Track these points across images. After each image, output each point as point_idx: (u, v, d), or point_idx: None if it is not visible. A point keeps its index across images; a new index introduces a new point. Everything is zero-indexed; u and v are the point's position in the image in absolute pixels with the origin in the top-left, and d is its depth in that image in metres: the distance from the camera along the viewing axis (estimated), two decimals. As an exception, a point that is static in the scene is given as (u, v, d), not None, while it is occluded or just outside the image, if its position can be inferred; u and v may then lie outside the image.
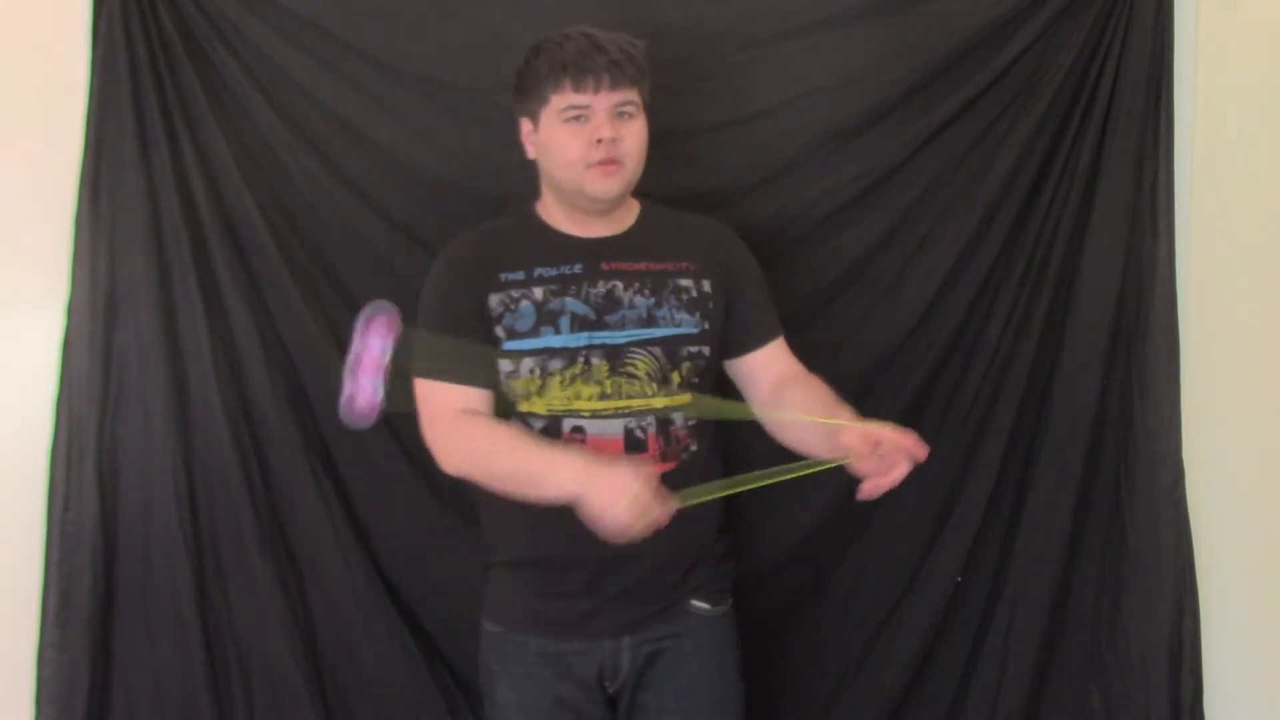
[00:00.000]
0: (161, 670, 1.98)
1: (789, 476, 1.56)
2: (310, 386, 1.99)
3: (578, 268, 1.69)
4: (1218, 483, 2.05)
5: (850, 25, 1.99)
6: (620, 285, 1.69)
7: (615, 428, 1.65)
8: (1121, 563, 2.01)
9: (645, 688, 1.72)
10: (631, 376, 1.66)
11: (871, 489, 1.51)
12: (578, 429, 1.65)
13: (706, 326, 1.72)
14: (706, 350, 1.72)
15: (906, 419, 2.00)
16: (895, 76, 1.98)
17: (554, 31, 1.67)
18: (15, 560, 1.97)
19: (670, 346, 1.68)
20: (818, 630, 2.07)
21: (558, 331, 1.65)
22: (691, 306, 1.71)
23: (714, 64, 1.99)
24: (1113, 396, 2.00)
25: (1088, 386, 2.00)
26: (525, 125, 1.71)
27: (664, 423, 1.67)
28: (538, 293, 1.67)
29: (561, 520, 1.55)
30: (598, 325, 1.66)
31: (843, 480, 2.01)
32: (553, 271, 1.68)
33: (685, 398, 1.68)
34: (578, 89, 1.62)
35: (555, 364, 1.65)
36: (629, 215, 1.76)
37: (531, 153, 1.72)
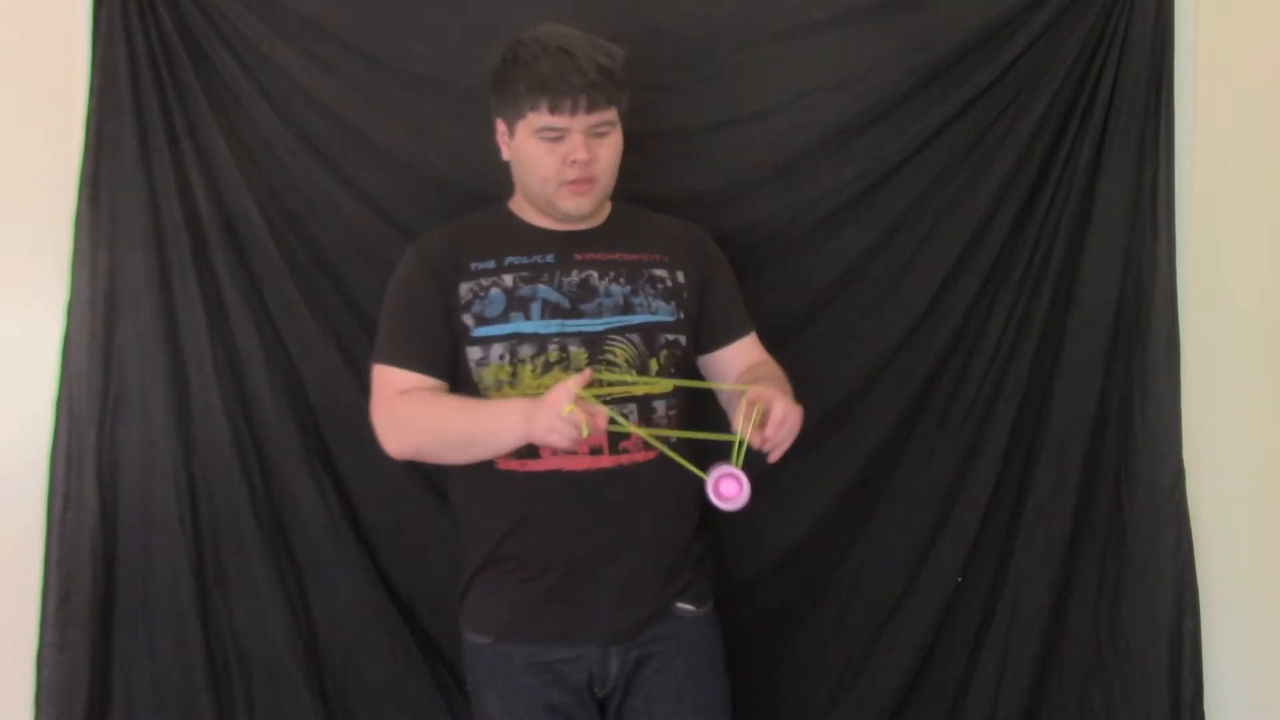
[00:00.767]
0: (161, 670, 1.97)
1: (701, 437, 1.65)
2: (310, 386, 1.99)
3: (550, 257, 1.71)
4: (1218, 483, 2.05)
5: (850, 25, 1.99)
6: (595, 274, 1.71)
7: None
8: (1121, 563, 2.01)
9: (634, 692, 1.73)
10: (611, 364, 1.67)
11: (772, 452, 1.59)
12: None
13: (682, 316, 1.73)
14: (683, 340, 1.73)
15: (906, 419, 2.03)
16: (895, 76, 1.98)
17: (533, 29, 1.66)
18: (15, 560, 1.97)
19: (648, 333, 1.70)
20: (818, 630, 2.07)
21: (528, 317, 1.66)
22: (667, 295, 1.73)
23: (714, 64, 1.99)
24: (1113, 396, 2.00)
25: (1088, 386, 1.99)
26: (500, 126, 1.72)
27: (645, 411, 1.68)
28: (508, 279, 1.68)
29: (533, 520, 1.59)
30: (572, 313, 1.67)
31: (842, 481, 2.04)
32: (524, 260, 1.70)
33: (666, 384, 1.69)
34: (554, 111, 1.62)
35: (525, 350, 1.65)
36: (601, 213, 1.78)
37: (506, 155, 1.73)
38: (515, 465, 1.66)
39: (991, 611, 2.04)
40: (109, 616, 1.96)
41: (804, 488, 2.01)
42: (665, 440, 1.65)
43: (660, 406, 1.70)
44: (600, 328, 1.68)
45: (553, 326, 1.66)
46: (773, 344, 1.86)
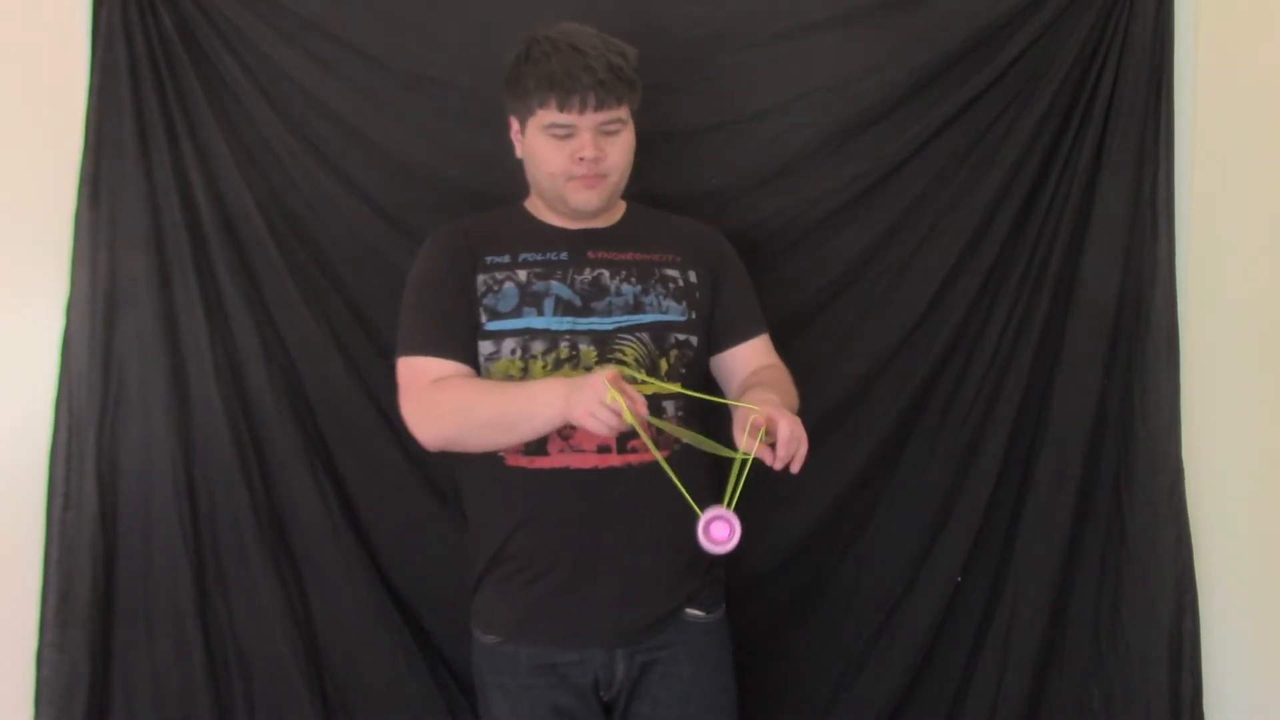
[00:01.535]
0: (161, 670, 1.97)
1: (719, 451, 1.59)
2: (310, 386, 1.99)
3: (564, 254, 1.71)
4: (1218, 483, 2.05)
5: (850, 25, 2.00)
6: (606, 273, 1.71)
7: None
8: (1121, 563, 2.01)
9: (640, 696, 1.72)
10: (620, 363, 1.67)
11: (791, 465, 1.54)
12: None
13: (693, 316, 1.73)
14: (694, 340, 1.73)
15: (906, 419, 2.03)
16: (895, 76, 1.98)
17: (548, 28, 1.67)
18: (15, 560, 1.96)
19: (658, 332, 1.70)
20: (818, 631, 2.07)
21: (540, 313, 1.67)
22: (679, 295, 1.73)
23: (714, 64, 2.00)
24: (1113, 397, 2.00)
25: (1088, 387, 2.00)
26: (514, 124, 1.73)
27: (654, 411, 1.68)
28: (521, 275, 1.69)
29: (539, 518, 1.59)
30: (583, 311, 1.68)
31: (842, 481, 2.04)
32: (538, 256, 1.71)
33: (670, 387, 1.68)
34: (563, 108, 1.62)
35: (537, 345, 1.66)
36: (615, 212, 1.79)
37: (519, 152, 1.73)
38: (524, 462, 1.66)
39: (991, 611, 2.04)
40: (109, 616, 1.96)
41: (804, 488, 2.00)
42: (677, 447, 1.64)
43: (669, 406, 1.70)
44: (610, 326, 1.68)
45: (564, 323, 1.67)
46: (773, 344, 1.85)
